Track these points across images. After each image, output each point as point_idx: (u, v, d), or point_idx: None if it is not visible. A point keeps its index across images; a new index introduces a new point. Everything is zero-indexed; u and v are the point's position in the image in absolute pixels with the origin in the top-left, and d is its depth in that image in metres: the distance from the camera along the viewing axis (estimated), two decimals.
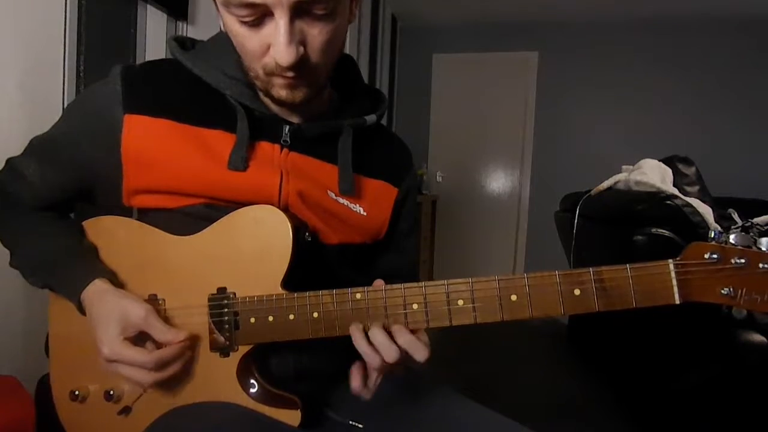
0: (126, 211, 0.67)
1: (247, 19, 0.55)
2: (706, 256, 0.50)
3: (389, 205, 0.74)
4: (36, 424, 0.74)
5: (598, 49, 3.95)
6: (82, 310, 0.62)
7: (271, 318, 0.60)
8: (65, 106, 1.24)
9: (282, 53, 0.54)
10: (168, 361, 0.58)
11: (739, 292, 0.49)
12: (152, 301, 0.63)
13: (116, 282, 0.64)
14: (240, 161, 0.63)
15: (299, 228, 0.62)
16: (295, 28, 0.54)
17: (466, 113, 4.26)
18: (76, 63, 1.26)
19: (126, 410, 0.64)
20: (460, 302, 0.55)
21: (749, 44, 3.69)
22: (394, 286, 0.57)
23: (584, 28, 3.96)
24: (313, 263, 0.65)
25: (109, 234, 0.68)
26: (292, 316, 0.59)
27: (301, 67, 0.56)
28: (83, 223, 0.70)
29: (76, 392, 0.65)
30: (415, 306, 0.56)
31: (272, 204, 0.63)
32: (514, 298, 0.54)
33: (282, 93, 0.60)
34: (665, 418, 1.66)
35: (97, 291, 0.61)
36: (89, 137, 0.64)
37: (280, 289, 0.60)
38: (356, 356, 0.57)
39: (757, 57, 3.68)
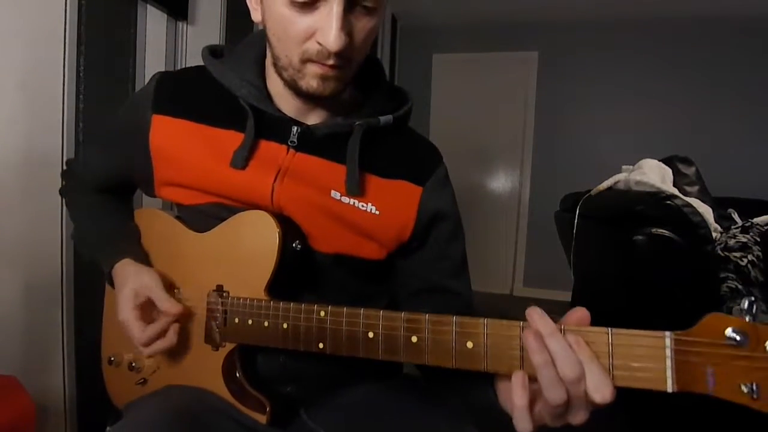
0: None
1: (301, 0, 0.55)
2: (728, 333, 0.38)
3: (412, 205, 0.69)
4: None
5: (598, 49, 3.95)
6: (111, 283, 0.71)
7: (250, 321, 0.62)
8: (65, 106, 1.24)
9: (333, 38, 0.54)
10: (155, 337, 0.64)
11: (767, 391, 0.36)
12: (171, 289, 0.69)
13: (147, 264, 0.71)
14: (240, 160, 0.65)
15: (288, 236, 0.62)
16: (346, 17, 0.55)
17: (466, 113, 4.25)
18: (76, 63, 1.26)
19: (143, 381, 0.73)
20: (414, 339, 0.50)
21: (749, 44, 3.69)
22: (355, 309, 0.54)
23: (584, 28, 3.95)
24: (304, 272, 0.66)
25: (147, 224, 0.78)
26: (266, 323, 0.60)
27: (341, 56, 0.57)
28: (135, 211, 0.81)
29: (112, 358, 0.77)
30: (371, 334, 0.53)
31: (264, 204, 0.65)
32: (470, 344, 0.48)
33: (312, 83, 0.59)
34: (666, 418, 1.66)
35: (124, 265, 0.70)
36: (128, 132, 0.72)
37: (263, 294, 0.62)
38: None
39: (756, 57, 3.67)
